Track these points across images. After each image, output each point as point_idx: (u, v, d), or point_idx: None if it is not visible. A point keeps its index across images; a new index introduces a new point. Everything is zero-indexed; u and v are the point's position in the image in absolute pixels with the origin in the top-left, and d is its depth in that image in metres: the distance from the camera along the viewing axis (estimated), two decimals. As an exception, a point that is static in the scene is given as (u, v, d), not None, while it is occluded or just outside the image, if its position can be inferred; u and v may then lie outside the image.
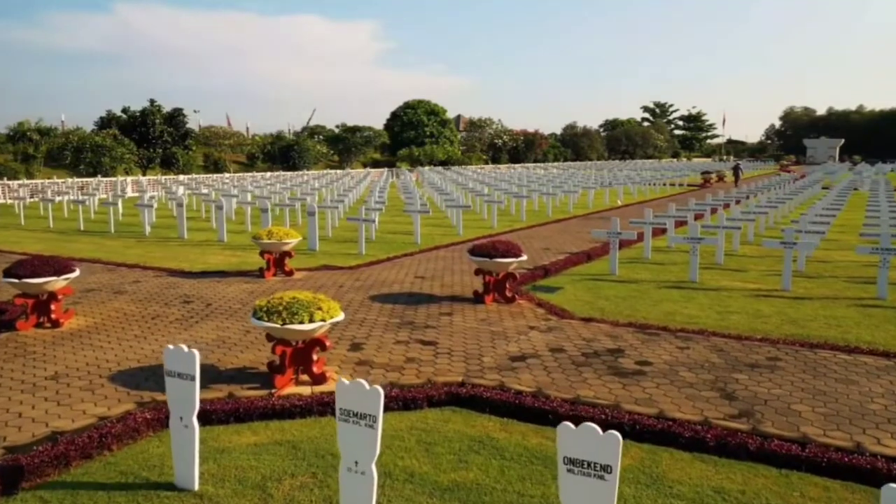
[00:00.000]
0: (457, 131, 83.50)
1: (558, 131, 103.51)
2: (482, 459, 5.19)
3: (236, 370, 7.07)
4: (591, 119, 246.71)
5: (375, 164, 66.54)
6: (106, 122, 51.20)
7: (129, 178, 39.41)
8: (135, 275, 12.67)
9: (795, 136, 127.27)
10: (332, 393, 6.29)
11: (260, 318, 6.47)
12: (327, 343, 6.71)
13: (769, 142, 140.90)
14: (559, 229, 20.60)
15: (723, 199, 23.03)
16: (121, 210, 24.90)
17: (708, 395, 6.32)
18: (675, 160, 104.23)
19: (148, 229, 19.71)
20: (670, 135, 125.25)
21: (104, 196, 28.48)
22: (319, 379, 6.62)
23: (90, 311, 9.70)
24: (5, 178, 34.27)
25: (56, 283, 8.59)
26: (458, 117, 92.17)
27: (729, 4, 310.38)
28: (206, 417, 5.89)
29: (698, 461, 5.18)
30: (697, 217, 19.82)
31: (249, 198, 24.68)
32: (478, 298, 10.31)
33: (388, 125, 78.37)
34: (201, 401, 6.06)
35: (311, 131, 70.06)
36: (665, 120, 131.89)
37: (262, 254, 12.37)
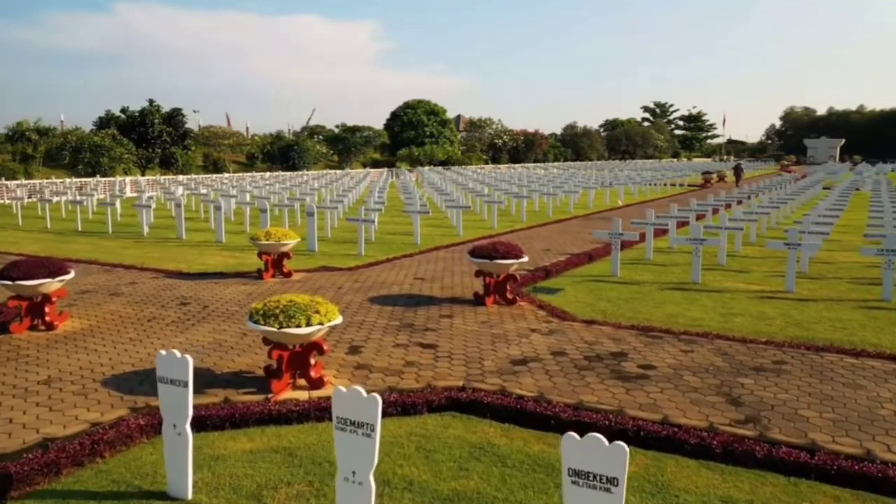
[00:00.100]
0: (457, 131, 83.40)
1: (558, 131, 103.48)
2: (483, 467, 5.07)
3: (232, 374, 6.94)
4: (591, 119, 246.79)
5: (375, 164, 66.42)
6: (105, 122, 51.04)
7: (127, 179, 39.28)
8: (131, 276, 12.54)
9: (796, 136, 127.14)
10: (329, 398, 6.15)
11: (256, 322, 6.35)
12: (325, 347, 6.58)
13: (769, 142, 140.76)
14: (560, 230, 20.48)
15: (724, 200, 22.91)
16: (119, 210, 24.77)
17: (713, 401, 6.20)
18: (675, 160, 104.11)
19: (146, 230, 19.58)
20: (670, 135, 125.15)
21: (102, 196, 28.34)
22: (317, 383, 6.50)
23: (85, 313, 9.57)
24: (3, 179, 34.14)
25: (50, 285, 8.47)
26: (458, 117, 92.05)
27: (729, 4, 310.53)
28: (200, 423, 5.77)
29: (704, 469, 5.05)
30: (699, 217, 19.71)
31: (248, 198, 24.56)
32: (478, 300, 10.19)
33: (388, 125, 78.25)
34: (196, 406, 5.95)
35: (311, 131, 69.91)
36: (665, 120, 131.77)
37: (260, 255, 12.25)
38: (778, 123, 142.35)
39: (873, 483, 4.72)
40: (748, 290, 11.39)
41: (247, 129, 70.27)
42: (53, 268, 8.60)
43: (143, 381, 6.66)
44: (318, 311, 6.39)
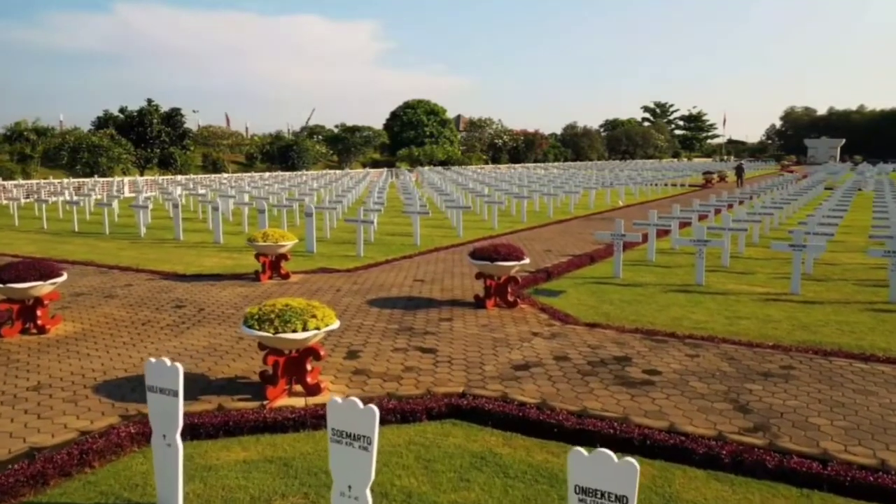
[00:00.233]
0: (457, 131, 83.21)
1: (558, 131, 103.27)
2: (485, 478, 4.90)
3: (227, 380, 6.77)
4: (592, 119, 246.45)
5: (375, 165, 66.24)
6: (103, 122, 50.87)
7: (126, 179, 39.11)
8: (127, 278, 12.37)
9: (796, 136, 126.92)
10: (326, 405, 6.00)
11: (251, 327, 6.17)
12: (322, 352, 6.41)
13: (770, 142, 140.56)
14: (560, 230, 20.31)
15: (726, 200, 22.75)
16: (117, 211, 24.61)
17: (721, 407, 6.03)
18: (675, 160, 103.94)
19: (143, 230, 19.41)
20: (671, 135, 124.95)
21: (99, 197, 28.16)
22: (314, 390, 6.33)
23: (79, 316, 9.40)
24: (0, 179, 33.96)
25: (42, 287, 8.29)
26: (458, 117, 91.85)
27: (729, 4, 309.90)
28: (193, 431, 5.61)
29: (713, 480, 4.88)
30: (701, 218, 19.54)
31: (247, 198, 24.40)
32: (479, 303, 10.02)
33: (388, 125, 78.06)
34: (189, 414, 5.79)
35: (311, 131, 69.71)
36: (665, 120, 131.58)
37: (257, 256, 12.08)
38: (778, 123, 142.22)
39: (889, 496, 4.56)
40: (752, 292, 11.22)
41: (246, 129, 70.15)
42: (45, 270, 8.43)
43: (135, 388, 6.49)
44: (314, 316, 6.22)
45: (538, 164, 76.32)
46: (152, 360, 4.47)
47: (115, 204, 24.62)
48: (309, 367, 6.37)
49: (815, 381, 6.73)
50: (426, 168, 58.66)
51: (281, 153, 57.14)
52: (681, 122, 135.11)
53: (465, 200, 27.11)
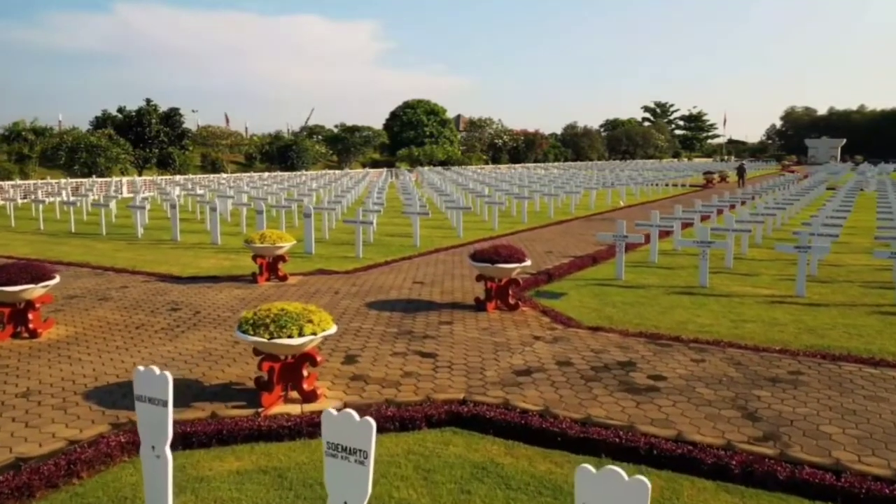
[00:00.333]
0: (457, 131, 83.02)
1: (558, 131, 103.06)
2: (486, 489, 4.73)
3: (221, 386, 6.60)
4: (592, 119, 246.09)
5: (375, 165, 66.06)
6: (101, 122, 50.68)
7: (124, 179, 38.93)
8: (122, 280, 12.20)
9: (796, 136, 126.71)
10: (323, 412, 5.83)
11: (245, 332, 6.01)
12: (318, 358, 6.24)
13: (770, 142, 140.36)
14: (561, 231, 20.14)
15: (728, 201, 22.58)
16: (114, 211, 24.43)
17: (729, 415, 5.86)
18: (675, 160, 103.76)
19: (140, 231, 19.24)
20: (671, 135, 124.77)
21: (96, 197, 27.99)
22: (310, 396, 6.16)
23: (72, 319, 9.23)
24: (-1, 179, 33.80)
25: (34, 291, 8.12)
26: (458, 117, 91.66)
27: (729, 4, 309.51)
28: (186, 440, 5.44)
29: (723, 491, 4.72)
30: (704, 219, 19.38)
31: (245, 199, 24.23)
32: (479, 305, 9.85)
33: (388, 125, 77.86)
34: (182, 422, 5.62)
35: (310, 131, 69.51)
36: (666, 120, 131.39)
37: (254, 258, 11.91)
38: (778, 123, 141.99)
39: (906, 509, 4.39)
40: (757, 294, 11.06)
41: (245, 128, 69.96)
42: (37, 273, 8.26)
43: (126, 394, 6.31)
44: (310, 321, 6.05)
45: (538, 165, 76.14)
46: (141, 368, 4.30)
47: (113, 204, 24.45)
48: (305, 373, 6.21)
49: (824, 387, 6.56)
50: (426, 168, 58.48)
51: (280, 153, 56.96)
52: (681, 122, 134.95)
53: (465, 201, 26.95)
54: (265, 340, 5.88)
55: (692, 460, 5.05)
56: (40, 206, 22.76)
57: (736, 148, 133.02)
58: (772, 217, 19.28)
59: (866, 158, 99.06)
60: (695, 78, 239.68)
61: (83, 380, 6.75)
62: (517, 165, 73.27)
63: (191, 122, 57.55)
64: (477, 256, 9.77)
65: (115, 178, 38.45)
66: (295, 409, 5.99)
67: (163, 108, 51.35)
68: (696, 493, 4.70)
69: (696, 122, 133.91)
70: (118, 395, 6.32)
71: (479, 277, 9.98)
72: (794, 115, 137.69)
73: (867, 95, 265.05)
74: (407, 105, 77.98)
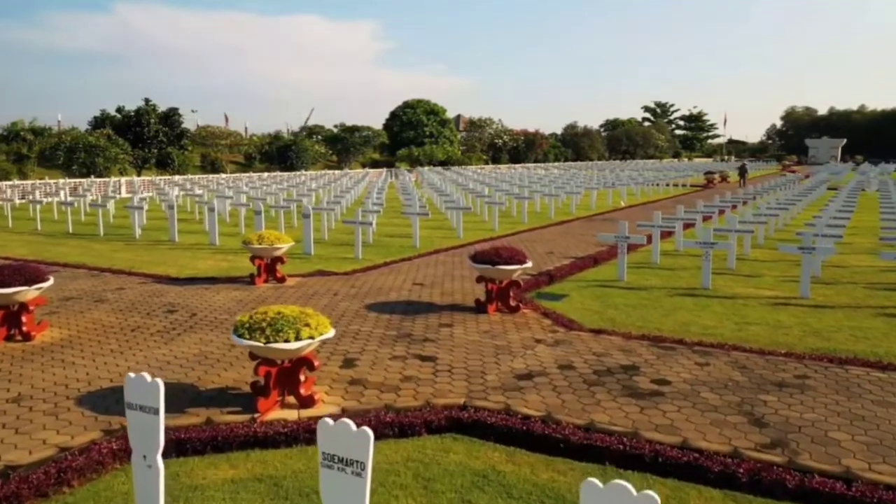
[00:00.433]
0: (457, 131, 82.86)
1: (559, 131, 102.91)
2: (487, 498, 4.61)
3: (217, 391, 6.47)
4: (592, 119, 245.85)
5: (374, 165, 65.91)
6: (100, 122, 50.53)
7: (122, 179, 38.79)
8: (119, 281, 12.07)
9: (797, 136, 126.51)
10: (320, 418, 5.70)
11: (241, 336, 5.88)
12: (316, 362, 6.11)
13: (770, 142, 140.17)
14: (562, 231, 20.01)
15: (730, 201, 22.44)
16: (112, 212, 24.31)
17: (735, 421, 5.73)
18: (676, 160, 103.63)
19: (138, 232, 19.11)
20: (671, 135, 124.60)
21: (94, 197, 27.85)
22: (307, 402, 6.03)
23: (66, 322, 9.10)
24: (-3, 179, 33.66)
25: (27, 293, 8.00)
26: (458, 117, 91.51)
27: (729, 4, 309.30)
28: (180, 447, 5.32)
29: (731, 501, 4.59)
30: (705, 219, 19.26)
31: (244, 199, 24.10)
32: (480, 308, 9.72)
33: (388, 125, 77.70)
34: (176, 428, 5.50)
35: (310, 131, 69.35)
36: (666, 120, 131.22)
37: (252, 259, 11.78)
38: (779, 123, 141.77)
39: (920, 519, 4.26)
40: (760, 295, 10.93)
41: (245, 128, 69.82)
42: (31, 275, 8.13)
43: (119, 399, 6.16)
44: (307, 324, 5.93)
45: (538, 165, 76.01)
46: (131, 374, 4.17)
47: (111, 205, 24.33)
48: (302, 377, 6.08)
49: (831, 391, 6.44)
50: (426, 168, 58.34)
51: (280, 153, 56.81)
52: (681, 122, 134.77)
53: (466, 201, 26.83)
54: (261, 345, 5.76)
55: (699, 468, 4.92)
56: (38, 207, 22.63)
57: (736, 148, 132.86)
58: (774, 217, 19.14)
59: (867, 158, 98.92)
60: (695, 78, 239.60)
61: (76, 384, 6.62)
62: (517, 165, 73.14)
63: (190, 122, 57.51)
64: (477, 258, 9.65)
65: (113, 179, 38.30)
66: (292, 414, 5.86)
67: (162, 108, 51.24)
68: (703, 502, 4.57)
69: (696, 122, 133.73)
70: (111, 400, 6.19)
71: (480, 279, 9.85)
72: (794, 115, 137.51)
73: (867, 95, 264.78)
74: (407, 105, 77.83)
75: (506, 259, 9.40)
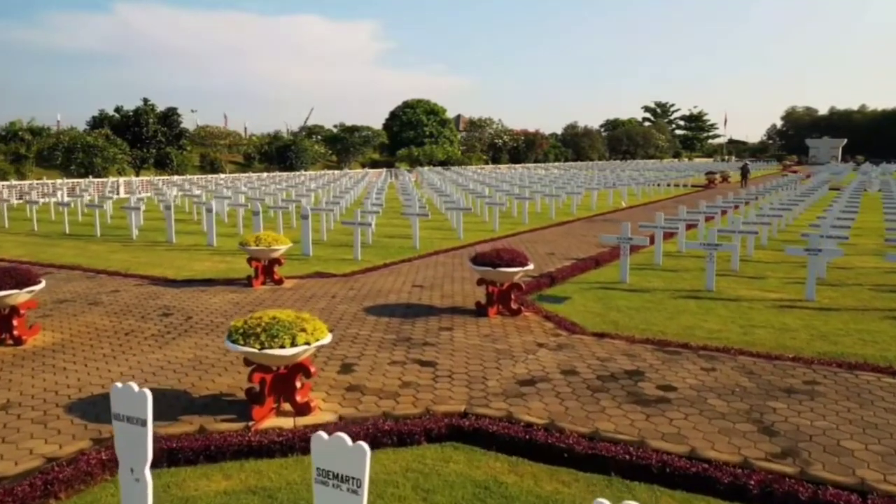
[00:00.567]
0: (457, 131, 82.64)
1: (559, 131, 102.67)
2: (489, 512, 4.44)
3: (211, 397, 6.31)
4: (592, 119, 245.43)
5: (374, 165, 65.71)
6: (98, 122, 50.31)
7: (121, 179, 38.60)
8: (114, 283, 11.90)
9: (797, 135, 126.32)
10: (317, 426, 5.54)
11: (235, 342, 5.71)
12: (312, 369, 5.94)
13: (771, 142, 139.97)
14: (563, 232, 19.84)
15: (732, 202, 22.26)
16: (109, 212, 24.13)
17: (744, 429, 5.56)
18: (676, 160, 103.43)
19: (135, 233, 18.93)
20: (671, 135, 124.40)
21: (91, 198, 27.67)
22: (303, 409, 5.86)
23: (59, 325, 8.93)
24: (-6, 179, 33.47)
25: (18, 296, 7.82)
26: (458, 117, 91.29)
27: (729, 4, 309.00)
28: (172, 457, 5.15)
29: (742, 514, 4.42)
30: (708, 220, 19.09)
31: (242, 199, 23.92)
32: (480, 310, 9.55)
33: (387, 125, 77.47)
34: (168, 437, 5.33)
35: (309, 131, 69.13)
36: (666, 120, 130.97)
37: (249, 261, 11.60)
38: (779, 123, 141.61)
39: (940, 535, 4.09)
40: (765, 298, 10.76)
41: (245, 128, 69.57)
42: (22, 277, 7.95)
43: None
44: (304, 329, 5.76)
45: (539, 165, 75.80)
46: (118, 384, 4.01)
47: (108, 205, 24.15)
48: (298, 384, 5.91)
49: (842, 398, 6.27)
50: (426, 168, 58.15)
51: (279, 153, 56.59)
52: (681, 122, 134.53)
53: (466, 202, 26.64)
54: (256, 351, 5.59)
55: (707, 479, 4.76)
56: (34, 207, 22.45)
57: (736, 148, 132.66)
58: (777, 218, 18.97)
59: (867, 158, 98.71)
60: (695, 78, 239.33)
61: (66, 391, 6.45)
62: (517, 165, 72.94)
63: (190, 123, 57.26)
64: (478, 260, 9.48)
65: (111, 179, 38.11)
66: (287, 422, 5.70)
67: (161, 108, 51.01)
68: (713, 515, 4.41)
69: (696, 122, 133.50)
70: (101, 407, 6.02)
71: (481, 281, 9.68)
72: (794, 114, 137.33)
73: (868, 95, 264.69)
74: (407, 105, 77.60)
75: (507, 261, 9.23)
